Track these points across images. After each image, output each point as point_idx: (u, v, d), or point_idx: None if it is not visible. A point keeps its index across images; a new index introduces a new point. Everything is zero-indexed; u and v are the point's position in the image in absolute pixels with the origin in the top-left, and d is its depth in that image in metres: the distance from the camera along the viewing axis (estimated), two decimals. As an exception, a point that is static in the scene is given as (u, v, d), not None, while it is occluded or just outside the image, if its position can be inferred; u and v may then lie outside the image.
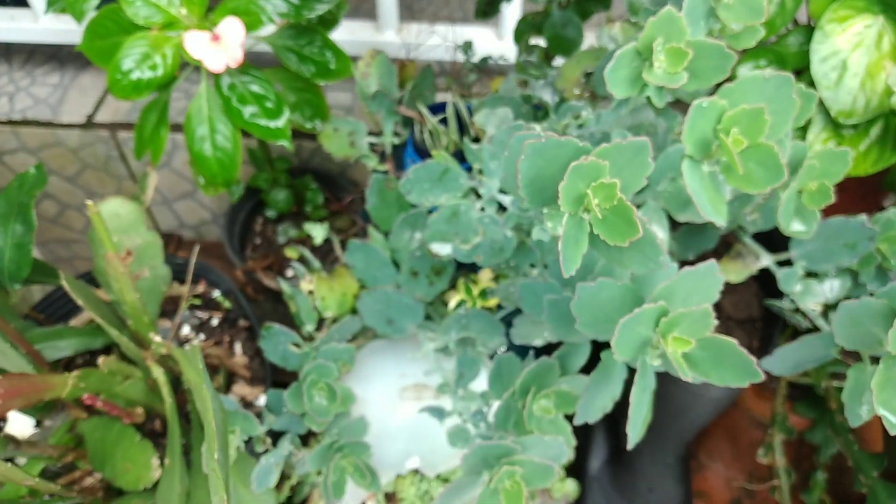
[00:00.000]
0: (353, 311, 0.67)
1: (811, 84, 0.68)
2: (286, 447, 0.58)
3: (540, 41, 0.68)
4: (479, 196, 0.58)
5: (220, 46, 0.64)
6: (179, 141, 1.08)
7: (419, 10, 1.25)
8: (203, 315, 0.84)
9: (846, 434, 0.69)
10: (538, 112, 0.64)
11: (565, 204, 0.36)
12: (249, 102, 0.69)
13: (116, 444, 0.60)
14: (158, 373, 0.60)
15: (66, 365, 0.75)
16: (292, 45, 0.73)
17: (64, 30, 1.09)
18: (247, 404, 0.77)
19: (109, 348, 0.76)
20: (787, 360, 0.53)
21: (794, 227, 0.52)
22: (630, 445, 0.41)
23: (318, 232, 0.75)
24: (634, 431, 0.41)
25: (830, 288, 0.65)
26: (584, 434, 0.88)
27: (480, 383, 0.61)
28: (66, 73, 1.18)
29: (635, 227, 0.35)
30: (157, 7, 0.68)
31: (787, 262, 0.63)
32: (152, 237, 0.77)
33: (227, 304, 0.84)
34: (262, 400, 0.77)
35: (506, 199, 0.54)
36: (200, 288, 0.86)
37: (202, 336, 0.83)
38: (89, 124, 1.11)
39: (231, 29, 0.64)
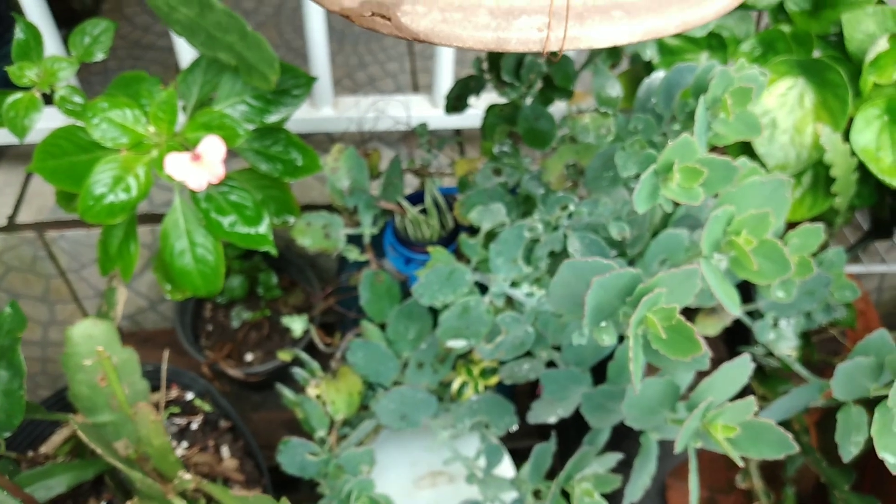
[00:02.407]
0: (361, 409, 0.68)
1: (748, 144, 0.76)
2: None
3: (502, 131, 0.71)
4: (482, 288, 0.61)
5: (202, 165, 0.64)
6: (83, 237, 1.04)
7: (359, 76, 1.26)
8: (181, 421, 0.82)
9: (814, 454, 0.77)
10: (516, 198, 0.67)
11: (634, 327, 0.39)
12: (228, 212, 0.69)
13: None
14: (182, 506, 0.58)
15: (55, 502, 0.72)
16: (258, 147, 0.73)
17: (-25, 132, 1.03)
18: (247, 510, 0.76)
19: (101, 478, 0.73)
20: (782, 409, 0.59)
21: (777, 294, 0.58)
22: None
23: (297, 325, 0.75)
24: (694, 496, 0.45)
25: (787, 324, 0.72)
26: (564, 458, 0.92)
27: (504, 468, 0.63)
28: (-27, 172, 1.12)
29: (697, 345, 0.39)
30: (124, 128, 0.66)
31: (755, 312, 0.69)
32: (128, 354, 0.74)
33: (206, 406, 0.82)
34: (261, 502, 0.77)
35: (517, 294, 0.57)
36: (174, 393, 0.84)
37: (185, 443, 0.81)
38: (11, 226, 1.05)
39: (212, 147, 0.63)
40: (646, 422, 0.47)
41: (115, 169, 0.66)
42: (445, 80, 0.99)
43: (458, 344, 0.60)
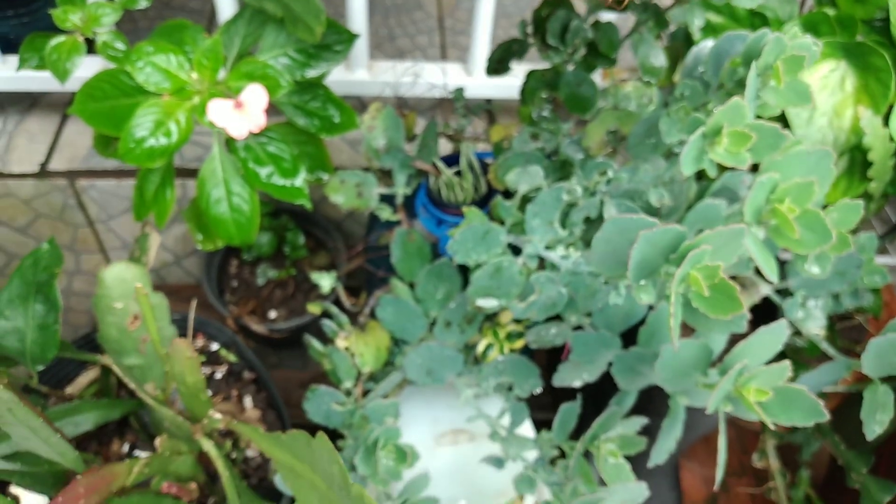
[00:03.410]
0: (387, 364, 0.69)
1: (786, 125, 0.75)
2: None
3: (543, 94, 0.71)
4: (515, 250, 0.62)
5: (244, 113, 0.64)
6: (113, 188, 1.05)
7: (387, 48, 1.26)
8: (206, 371, 0.84)
9: (832, 436, 0.77)
10: (553, 163, 0.68)
11: (676, 284, 0.40)
12: (266, 163, 0.70)
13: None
14: (209, 446, 0.59)
15: (80, 440, 0.73)
16: (297, 101, 0.74)
17: (12, 77, 1.04)
18: (267, 458, 0.78)
19: (126, 418, 0.74)
20: (808, 385, 0.59)
21: (812, 270, 0.58)
22: (717, 484, 0.46)
23: (325, 281, 0.76)
24: (720, 467, 0.45)
25: (815, 304, 0.72)
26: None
27: (525, 430, 0.64)
28: (9, 118, 1.13)
29: (738, 303, 0.39)
30: (167, 73, 0.67)
31: (784, 291, 0.69)
32: (158, 299, 0.75)
33: (231, 357, 0.83)
34: (282, 453, 0.78)
35: (553, 256, 0.58)
36: (199, 342, 0.85)
37: (209, 392, 0.82)
38: (44, 173, 1.06)
39: (255, 96, 0.64)
40: (677, 384, 0.48)
41: (157, 113, 0.66)
42: (481, 48, 0.99)
43: (488, 303, 0.61)
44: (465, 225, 0.59)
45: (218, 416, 0.59)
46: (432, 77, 1.00)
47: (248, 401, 0.81)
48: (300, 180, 0.70)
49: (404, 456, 0.55)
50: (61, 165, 1.07)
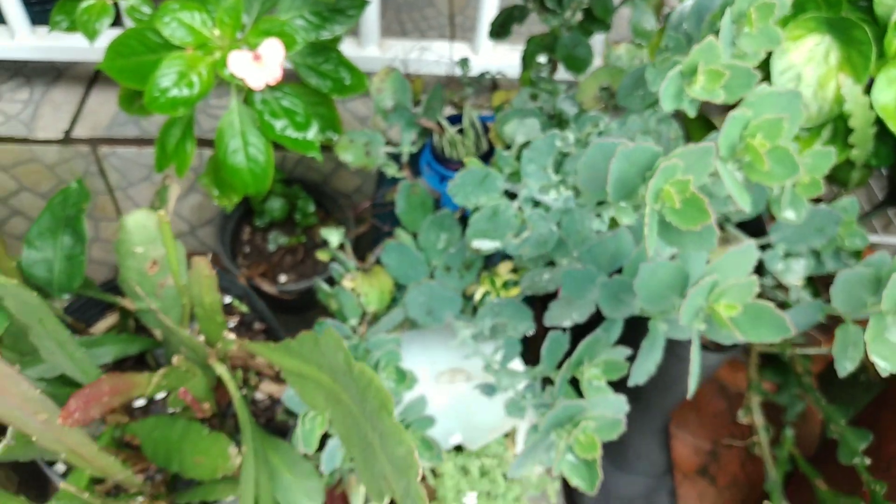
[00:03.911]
0: (389, 307, 0.73)
1: (772, 93, 0.79)
2: (350, 431, 0.64)
3: (542, 58, 0.76)
4: (511, 197, 0.66)
5: (261, 66, 0.69)
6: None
7: (397, 27, 1.31)
8: (218, 320, 0.88)
9: (814, 392, 0.81)
10: (553, 121, 0.72)
11: (651, 198, 0.44)
12: (280, 116, 0.74)
13: (183, 440, 0.63)
14: (223, 370, 0.64)
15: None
16: (311, 63, 0.79)
17: (42, 46, 1.09)
18: (275, 401, 0.82)
19: (143, 354, 0.79)
20: (783, 325, 0.63)
21: (787, 215, 0.62)
22: (690, 393, 0.50)
23: (334, 237, 0.80)
24: (694, 377, 0.50)
25: (797, 262, 0.76)
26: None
27: (516, 366, 0.68)
28: (35, 88, 1.18)
29: (707, 214, 0.44)
30: (191, 29, 0.72)
31: (766, 246, 0.73)
32: (177, 246, 0.80)
33: (242, 307, 0.88)
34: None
35: (547, 199, 0.62)
36: (213, 295, 0.90)
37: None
38: (67, 140, 1.11)
39: (272, 50, 0.69)
40: (655, 304, 0.52)
41: (181, 66, 0.71)
42: (483, 30, 1.04)
43: (485, 245, 0.65)
44: (465, 169, 0.63)
45: (231, 336, 0.63)
46: (440, 52, 1.04)
47: (257, 349, 0.86)
48: (312, 134, 0.75)
49: (404, 377, 0.59)
50: (84, 133, 1.12)
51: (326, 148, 0.83)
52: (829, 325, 0.90)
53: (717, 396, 1.11)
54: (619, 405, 0.54)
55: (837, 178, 0.85)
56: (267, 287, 1.02)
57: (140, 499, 0.60)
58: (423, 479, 0.76)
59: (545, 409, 0.59)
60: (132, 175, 1.15)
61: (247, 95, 0.75)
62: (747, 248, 0.49)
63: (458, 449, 0.76)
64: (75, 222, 0.67)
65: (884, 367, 0.55)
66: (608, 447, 0.98)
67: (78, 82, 1.20)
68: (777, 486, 0.83)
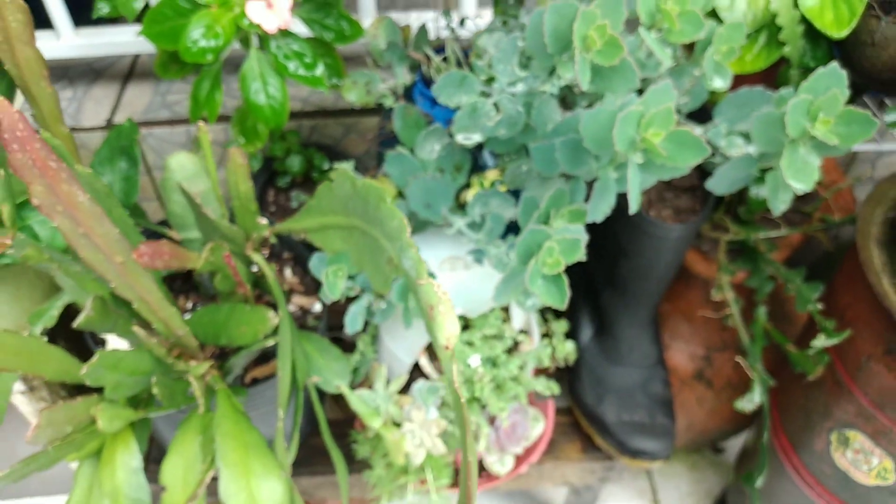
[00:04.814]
0: (395, 208, 0.86)
1: (713, 13, 0.92)
2: (366, 299, 0.76)
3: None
4: (486, 97, 0.79)
5: (274, 11, 0.83)
6: (167, 134, 1.25)
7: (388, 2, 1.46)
8: (252, 253, 1.01)
9: (780, 269, 0.92)
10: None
11: (578, 42, 0.56)
12: (292, 59, 0.88)
13: (228, 318, 0.76)
14: (258, 258, 0.77)
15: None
16: (316, 17, 0.93)
17: (84, 44, 1.25)
18: (305, 311, 0.94)
19: (191, 279, 0.92)
20: (723, 180, 0.75)
21: (716, 84, 0.74)
22: (633, 209, 0.62)
23: (347, 167, 0.94)
24: (634, 197, 0.61)
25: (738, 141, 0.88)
26: (573, 316, 1.08)
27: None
28: (78, 87, 1.34)
29: (621, 48, 0.56)
30: (214, -10, 0.86)
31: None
32: (211, 184, 0.94)
33: (272, 239, 1.01)
34: (317, 307, 0.95)
35: (515, 90, 0.74)
36: (245, 233, 1.03)
37: (254, 267, 0.99)
38: (109, 126, 1.26)
39: (281, -3, 0.83)
40: (598, 146, 0.64)
41: (207, 20, 0.85)
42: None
43: (467, 140, 0.77)
44: (445, 73, 0.76)
45: (264, 221, 0.76)
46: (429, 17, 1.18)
47: (287, 271, 0.99)
48: (319, 71, 0.89)
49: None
50: (123, 120, 1.27)
51: (334, 113, 0.96)
52: (786, 215, 1.01)
53: (704, 305, 1.22)
54: (578, 231, 0.66)
55: (781, 82, 0.97)
56: (294, 236, 1.15)
57: (193, 362, 0.72)
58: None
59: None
60: (166, 152, 1.29)
61: (262, 43, 0.89)
62: (665, 85, 0.61)
63: (463, 329, 0.88)
64: (129, 150, 0.81)
65: (800, 187, 0.66)
66: (603, 344, 1.09)
67: (114, 80, 1.36)
68: (752, 350, 0.93)
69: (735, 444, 1.47)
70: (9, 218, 0.63)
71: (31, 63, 0.64)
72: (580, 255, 0.65)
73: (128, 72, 1.37)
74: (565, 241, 0.63)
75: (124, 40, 1.27)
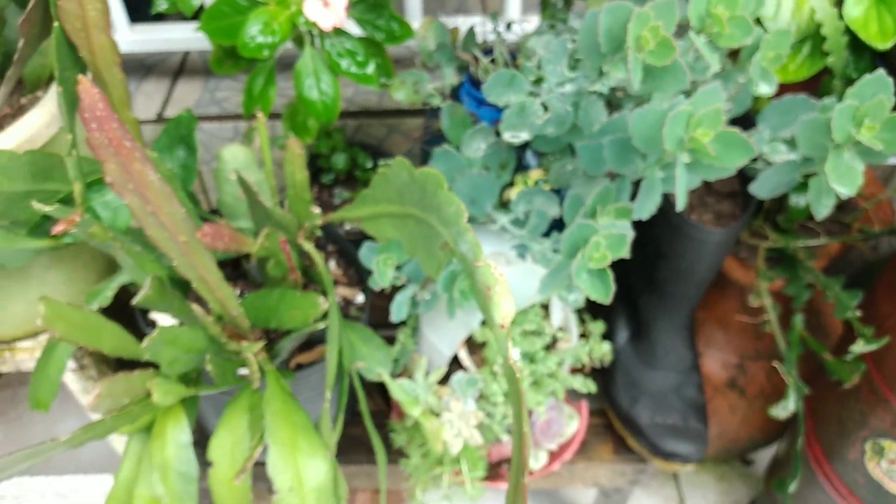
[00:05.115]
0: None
1: (759, 21, 0.93)
2: (412, 289, 0.79)
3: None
4: (534, 97, 0.81)
5: (330, 10, 0.86)
6: (216, 129, 1.29)
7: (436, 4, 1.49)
8: (296, 245, 1.04)
9: (819, 277, 0.92)
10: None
11: (632, 42, 0.58)
12: (344, 56, 0.91)
13: (279, 303, 0.79)
14: (310, 247, 0.79)
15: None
16: (367, 18, 0.96)
17: (139, 40, 1.30)
18: (349, 302, 0.97)
19: (239, 266, 0.95)
20: (766, 184, 0.76)
21: (762, 89, 0.76)
22: (680, 206, 0.64)
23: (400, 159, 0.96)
24: (682, 194, 0.63)
25: (782, 147, 0.89)
26: (609, 318, 1.10)
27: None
28: (130, 82, 1.38)
29: (673, 49, 0.58)
30: (273, -12, 0.89)
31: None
32: (263, 175, 0.97)
33: (318, 232, 1.04)
34: (359, 298, 0.97)
35: (564, 90, 0.76)
36: (291, 225, 1.06)
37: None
38: (160, 119, 1.30)
39: (338, -4, 0.86)
40: (648, 145, 0.65)
41: (265, 18, 0.89)
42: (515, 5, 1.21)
43: (515, 138, 0.80)
44: (495, 73, 0.78)
45: (317, 210, 0.79)
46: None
47: (331, 264, 1.01)
48: (371, 69, 0.92)
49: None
50: (174, 114, 1.31)
51: (378, 114, 0.99)
52: (824, 223, 1.02)
53: (739, 313, 1.22)
54: (624, 227, 0.67)
55: (823, 92, 0.98)
56: (338, 229, 1.17)
57: (244, 343, 0.75)
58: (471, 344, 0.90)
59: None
60: (214, 147, 1.33)
61: (319, 41, 0.92)
62: (714, 86, 0.62)
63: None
64: (187, 139, 0.84)
65: (844, 192, 0.67)
66: (639, 347, 1.10)
67: (165, 75, 1.41)
68: (788, 357, 0.94)
69: (764, 458, 1.46)
70: (80, 195, 0.66)
71: (105, 50, 0.67)
72: (626, 251, 0.66)
73: (178, 68, 1.41)
74: (612, 236, 0.65)
75: (177, 37, 1.32)
